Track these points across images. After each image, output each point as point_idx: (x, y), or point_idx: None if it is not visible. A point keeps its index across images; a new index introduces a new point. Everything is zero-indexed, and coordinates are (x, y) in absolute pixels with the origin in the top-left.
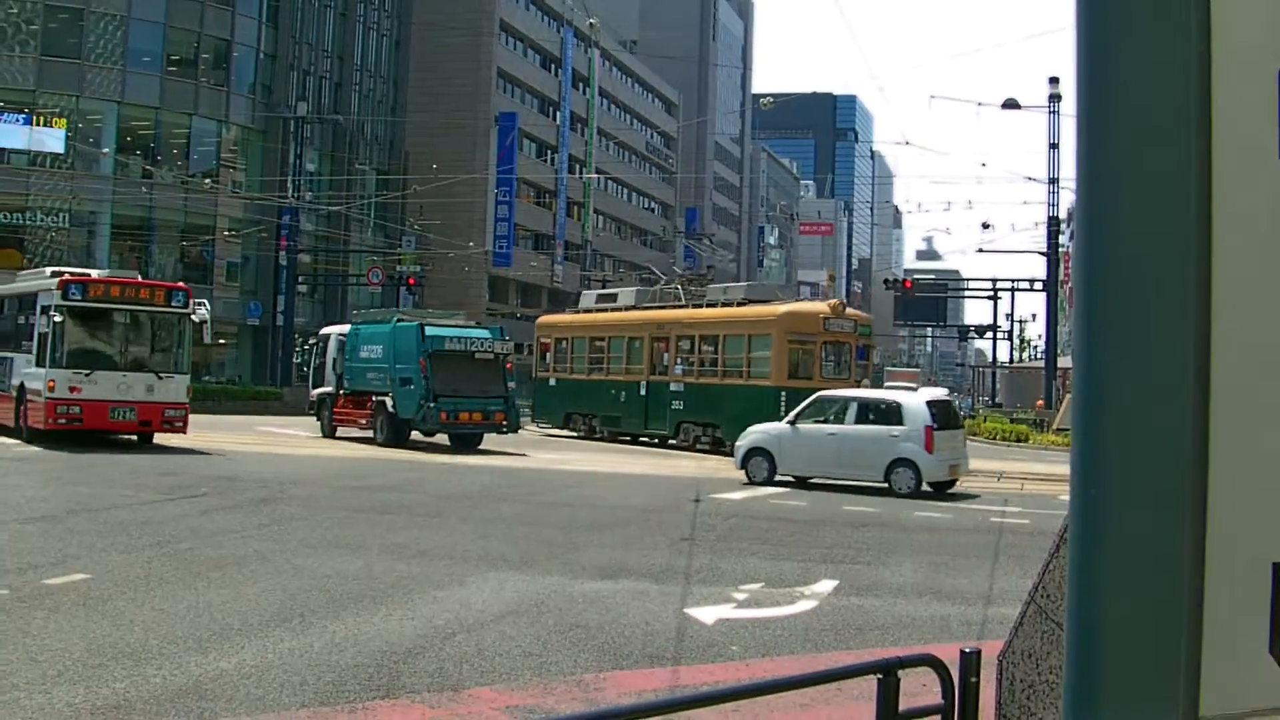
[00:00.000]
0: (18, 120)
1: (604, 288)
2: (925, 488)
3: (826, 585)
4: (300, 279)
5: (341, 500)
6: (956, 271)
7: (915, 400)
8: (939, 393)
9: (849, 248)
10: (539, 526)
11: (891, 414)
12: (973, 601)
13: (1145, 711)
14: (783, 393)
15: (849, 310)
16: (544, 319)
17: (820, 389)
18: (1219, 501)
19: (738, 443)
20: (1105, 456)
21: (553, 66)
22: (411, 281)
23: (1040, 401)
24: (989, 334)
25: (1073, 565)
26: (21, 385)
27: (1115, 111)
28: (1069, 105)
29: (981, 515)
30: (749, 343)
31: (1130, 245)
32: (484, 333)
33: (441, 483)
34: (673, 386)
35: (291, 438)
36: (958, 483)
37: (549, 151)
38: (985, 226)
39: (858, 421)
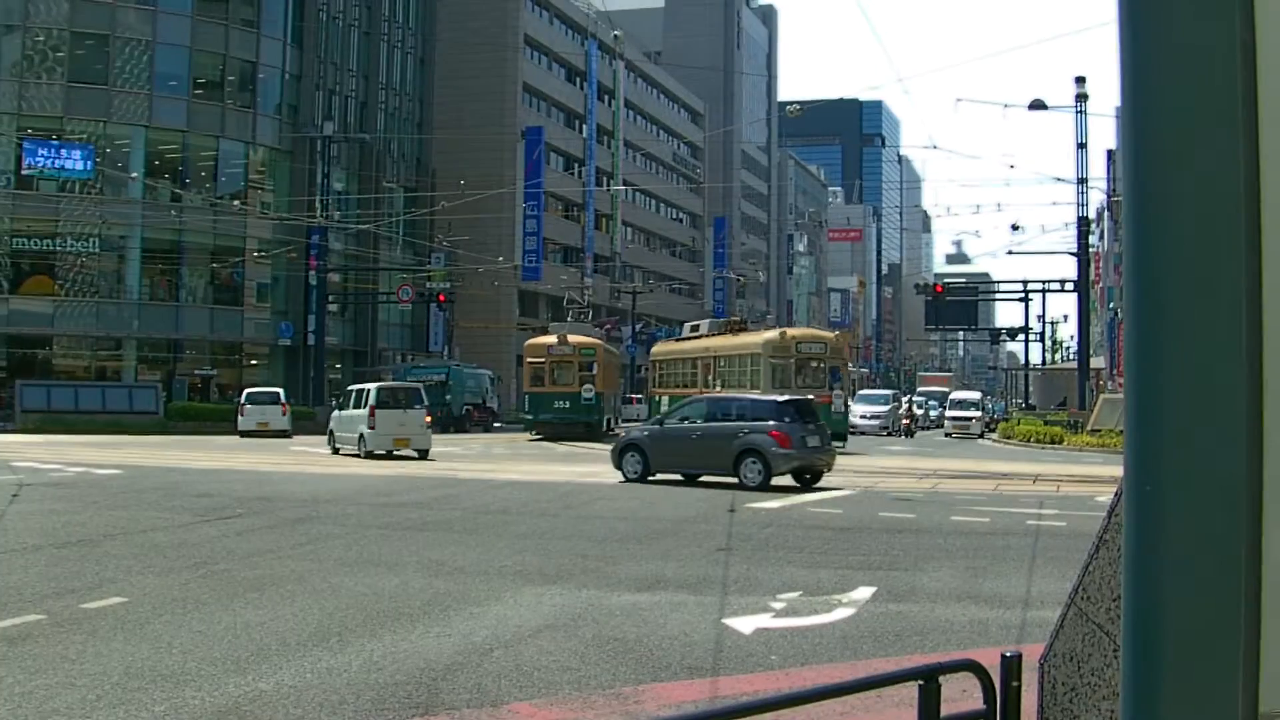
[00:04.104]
0: (47, 146)
1: (634, 300)
2: None
3: (864, 592)
4: (330, 298)
5: (376, 518)
6: (987, 274)
7: None
8: None
9: (878, 253)
10: (574, 540)
11: None
12: (1011, 605)
13: (1205, 706)
14: (527, 396)
15: (572, 338)
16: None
17: (545, 393)
18: (1275, 494)
19: None
20: (1160, 451)
21: (578, 79)
22: (442, 298)
23: (1075, 408)
24: (1021, 336)
25: (1127, 561)
26: None
27: (1159, 104)
28: (1096, 105)
29: (1017, 518)
30: (524, 365)
31: (1179, 237)
32: (441, 370)
33: (475, 498)
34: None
35: (324, 457)
36: None
37: (576, 164)
38: (1015, 229)
39: None
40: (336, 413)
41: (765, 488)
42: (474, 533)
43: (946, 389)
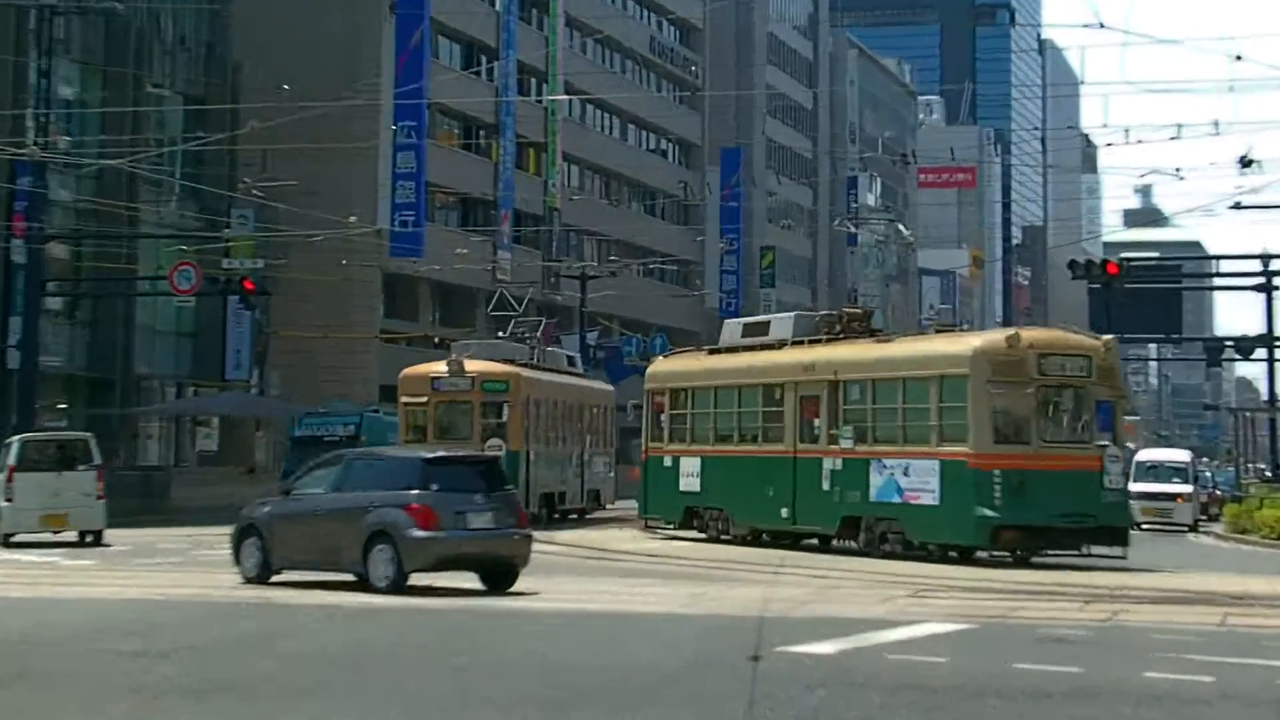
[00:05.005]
0: None
1: (583, 288)
2: None
3: None
4: (52, 287)
5: (132, 675)
6: (1198, 244)
7: None
8: None
9: (1005, 207)
10: (486, 709)
11: None
12: None
13: None
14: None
15: (470, 365)
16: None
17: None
18: None
19: None
20: None
21: None
22: (249, 287)
23: None
24: (1261, 352)
25: None
26: None
27: None
28: None
29: (1262, 677)
30: (399, 406)
31: None
32: (350, 419)
33: (309, 638)
34: None
35: (45, 566)
36: None
37: (484, 58)
38: (1245, 165)
39: None
40: None
41: (399, 589)
42: (308, 694)
43: (1131, 445)
